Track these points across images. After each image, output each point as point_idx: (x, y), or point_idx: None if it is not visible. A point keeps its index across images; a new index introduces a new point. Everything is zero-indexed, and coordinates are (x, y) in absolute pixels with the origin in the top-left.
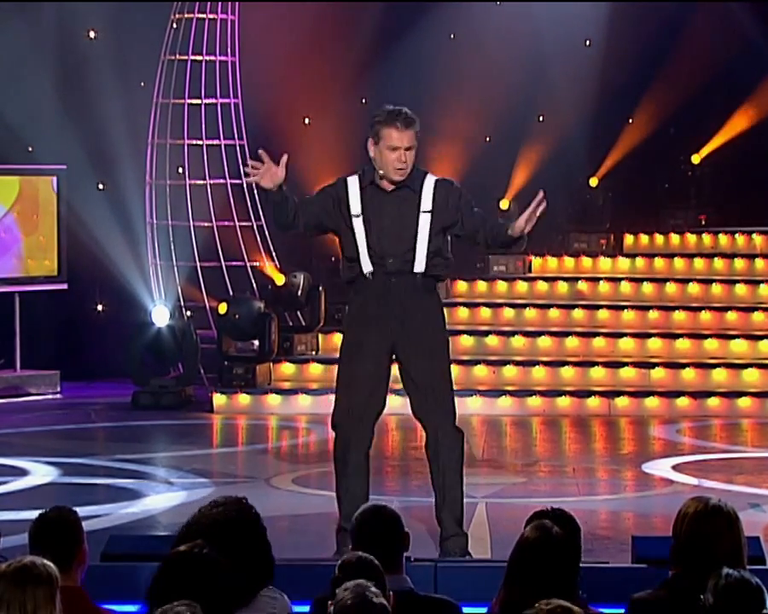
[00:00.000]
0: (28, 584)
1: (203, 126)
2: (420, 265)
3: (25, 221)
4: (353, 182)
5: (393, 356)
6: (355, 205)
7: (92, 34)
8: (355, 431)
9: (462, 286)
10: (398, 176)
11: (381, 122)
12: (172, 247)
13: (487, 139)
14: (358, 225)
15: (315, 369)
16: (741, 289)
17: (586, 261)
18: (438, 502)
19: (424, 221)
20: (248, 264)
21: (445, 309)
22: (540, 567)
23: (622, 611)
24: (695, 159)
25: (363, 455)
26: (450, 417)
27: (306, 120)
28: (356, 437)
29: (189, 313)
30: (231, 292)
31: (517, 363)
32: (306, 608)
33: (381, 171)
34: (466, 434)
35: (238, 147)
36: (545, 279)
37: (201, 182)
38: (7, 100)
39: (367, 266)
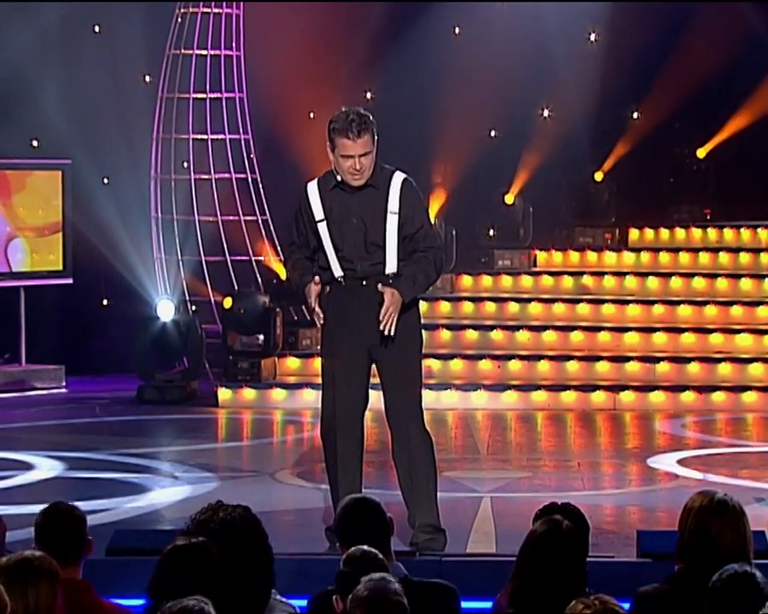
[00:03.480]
0: (28, 578)
1: (208, 121)
2: (391, 267)
3: None
4: (313, 188)
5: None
6: (317, 211)
7: (97, 28)
8: (345, 435)
9: (466, 280)
10: (354, 183)
11: (335, 130)
12: (177, 242)
13: (492, 134)
14: (323, 230)
15: (319, 363)
16: (746, 283)
17: (591, 255)
18: (410, 509)
19: (392, 222)
20: (253, 259)
21: (449, 304)
22: (550, 560)
23: (627, 605)
24: (701, 153)
25: (357, 458)
26: (418, 420)
27: (311, 114)
28: (347, 440)
29: (193, 307)
30: (236, 287)
31: (522, 358)
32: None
33: (338, 178)
34: (470, 428)
35: (243, 142)
36: (550, 273)
37: (206, 176)
38: (12, 94)
39: (337, 271)
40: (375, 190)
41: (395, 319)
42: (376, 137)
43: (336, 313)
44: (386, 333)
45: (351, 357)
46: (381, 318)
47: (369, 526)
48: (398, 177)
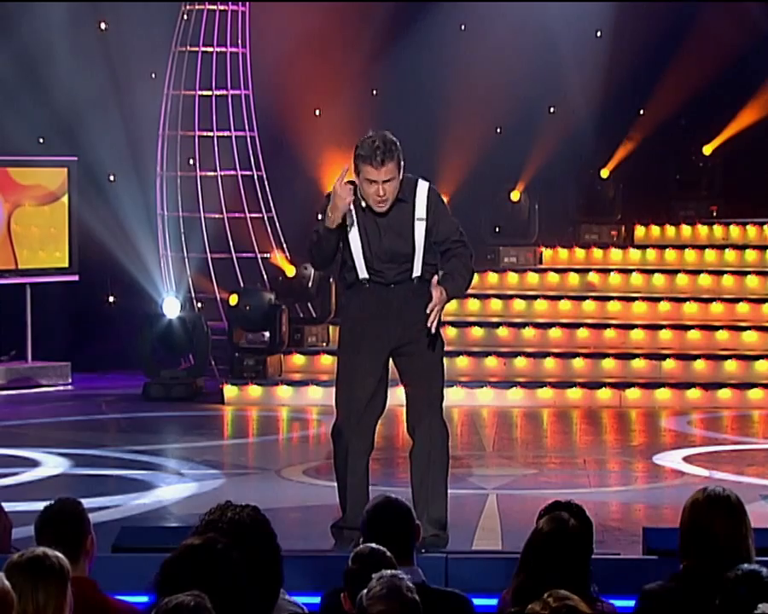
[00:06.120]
0: (40, 576)
1: (214, 118)
2: (417, 271)
3: None
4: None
5: (390, 358)
6: (348, 217)
7: (103, 25)
8: (357, 437)
9: None
10: (378, 209)
11: (360, 157)
12: (183, 239)
13: (498, 130)
14: (353, 234)
15: (326, 360)
16: (752, 280)
17: (597, 252)
18: (419, 506)
19: (419, 229)
20: (259, 256)
21: (455, 301)
22: (555, 559)
23: (633, 602)
24: (707, 150)
25: (366, 460)
26: (439, 416)
27: (317, 111)
28: (358, 442)
29: (199, 304)
30: (242, 284)
31: (528, 355)
32: (316, 600)
33: (363, 203)
34: (476, 425)
35: (249, 139)
36: (556, 270)
37: (212, 173)
38: (18, 91)
39: (363, 273)
40: (403, 203)
41: (440, 317)
42: (402, 163)
43: (359, 312)
44: (432, 330)
45: (372, 358)
46: (428, 311)
47: (396, 528)
48: (423, 186)
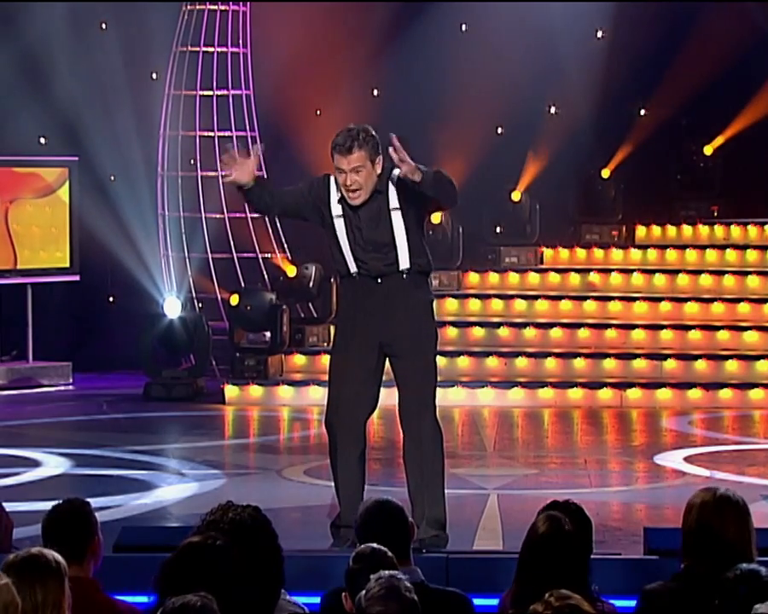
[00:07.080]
0: (36, 575)
1: (215, 118)
2: (404, 263)
3: None
4: (335, 183)
5: (384, 354)
6: (336, 207)
7: (104, 25)
8: (345, 432)
9: (473, 277)
10: (350, 201)
11: (332, 146)
12: (184, 239)
13: (499, 131)
14: (340, 226)
15: (326, 360)
16: (753, 280)
17: (598, 252)
18: (417, 507)
19: (396, 218)
20: (260, 256)
21: (456, 301)
22: (552, 561)
23: (634, 602)
24: (708, 150)
25: (357, 456)
26: (432, 415)
27: (317, 111)
28: (346, 437)
29: (200, 304)
30: (243, 284)
31: (529, 355)
32: (316, 600)
33: (339, 193)
34: (477, 425)
35: (250, 139)
36: (557, 270)
37: (213, 173)
38: (20, 91)
39: (352, 266)
40: (380, 194)
41: (406, 162)
42: (380, 155)
43: (350, 308)
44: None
45: (362, 356)
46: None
47: (390, 528)
48: (394, 174)
